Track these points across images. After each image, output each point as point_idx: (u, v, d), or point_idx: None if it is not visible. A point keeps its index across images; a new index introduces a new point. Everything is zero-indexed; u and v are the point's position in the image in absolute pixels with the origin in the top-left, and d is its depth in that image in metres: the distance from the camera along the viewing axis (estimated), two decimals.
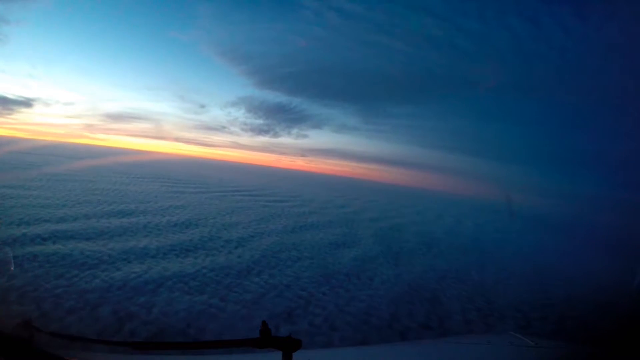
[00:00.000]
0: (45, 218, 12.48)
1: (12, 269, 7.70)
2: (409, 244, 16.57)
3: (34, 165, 32.19)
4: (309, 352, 1.85)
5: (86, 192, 19.96)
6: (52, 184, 21.55)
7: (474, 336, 5.00)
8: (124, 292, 7.19)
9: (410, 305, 8.32)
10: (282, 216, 20.04)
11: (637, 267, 12.04)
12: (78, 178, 26.48)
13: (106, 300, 6.74)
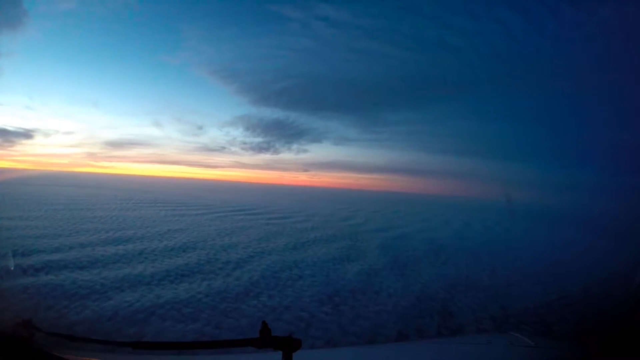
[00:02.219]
0: (40, 248, 12.27)
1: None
2: (416, 252, 16.03)
3: (34, 196, 32.26)
4: (309, 352, 1.86)
5: (84, 220, 19.78)
6: (50, 213, 21.44)
7: (474, 336, 4.89)
8: (114, 323, 6.85)
9: (420, 320, 7.83)
10: (283, 233, 19.61)
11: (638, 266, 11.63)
12: (77, 206, 26.42)
13: (94, 332, 6.41)
